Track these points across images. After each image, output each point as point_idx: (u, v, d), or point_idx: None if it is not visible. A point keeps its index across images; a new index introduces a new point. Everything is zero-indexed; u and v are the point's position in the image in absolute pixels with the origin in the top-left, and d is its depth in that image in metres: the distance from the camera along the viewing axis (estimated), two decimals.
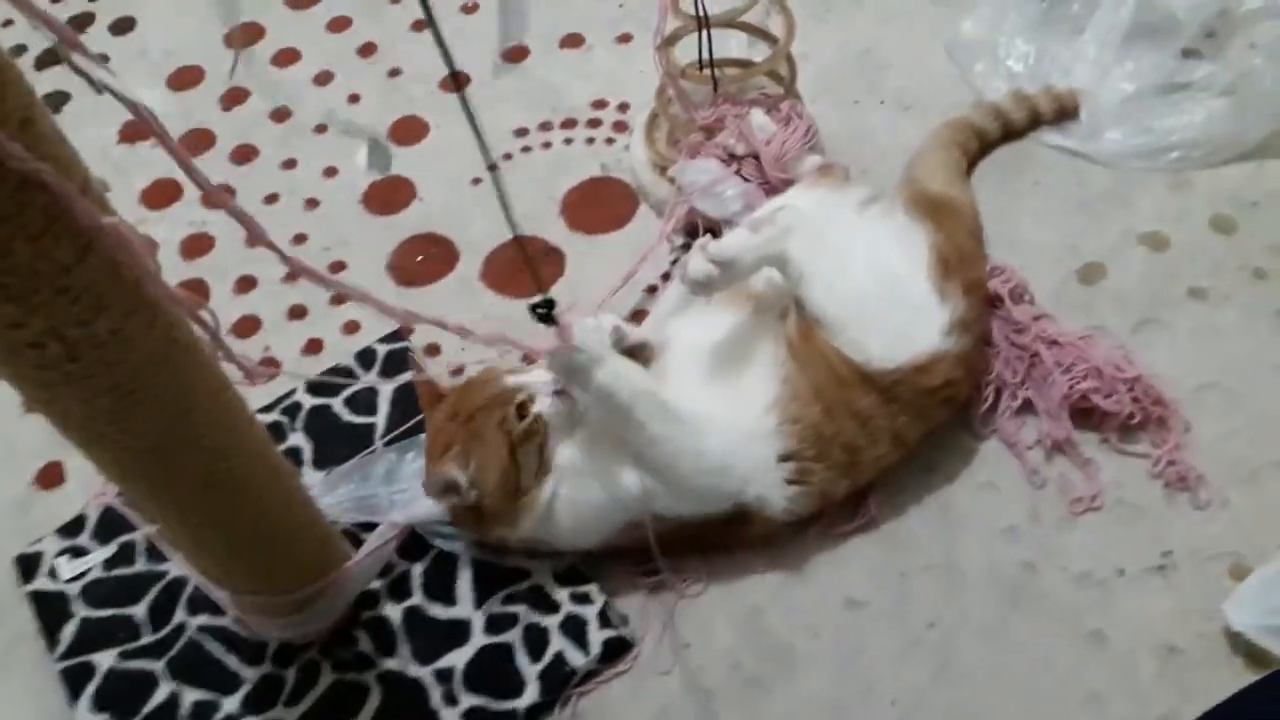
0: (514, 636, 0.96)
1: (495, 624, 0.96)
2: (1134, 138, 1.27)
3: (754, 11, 1.20)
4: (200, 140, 1.48)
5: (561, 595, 0.98)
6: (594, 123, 1.43)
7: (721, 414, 0.96)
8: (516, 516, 0.94)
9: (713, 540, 0.99)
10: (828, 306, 0.98)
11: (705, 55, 1.19)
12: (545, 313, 0.85)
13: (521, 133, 1.43)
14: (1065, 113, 1.30)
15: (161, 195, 1.40)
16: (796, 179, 1.18)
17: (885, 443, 0.98)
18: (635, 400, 0.91)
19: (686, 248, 1.23)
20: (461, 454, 0.93)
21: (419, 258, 1.31)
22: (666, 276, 1.23)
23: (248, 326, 1.26)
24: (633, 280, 1.19)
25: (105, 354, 0.63)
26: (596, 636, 0.95)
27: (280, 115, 1.51)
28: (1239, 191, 1.21)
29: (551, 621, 0.96)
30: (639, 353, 1.00)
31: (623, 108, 1.44)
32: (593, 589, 0.98)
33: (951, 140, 1.25)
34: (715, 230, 1.22)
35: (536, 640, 0.95)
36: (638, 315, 1.19)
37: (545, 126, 1.43)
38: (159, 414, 0.70)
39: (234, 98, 1.55)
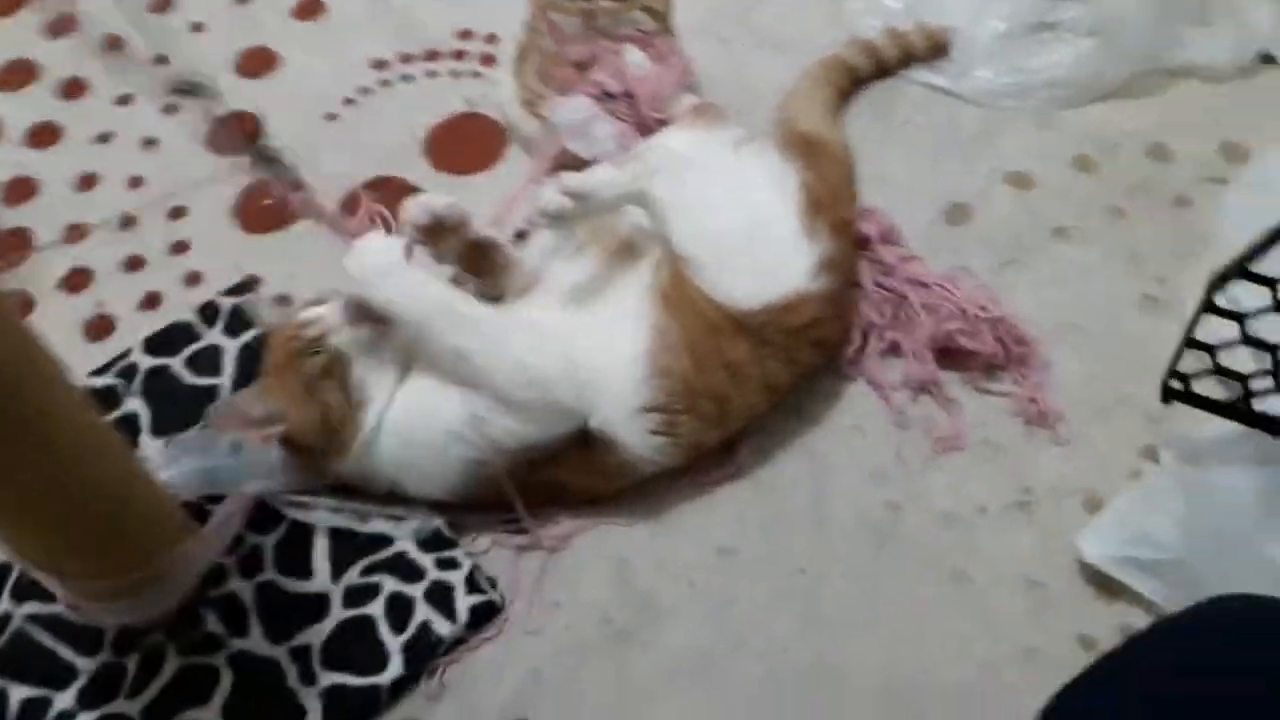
0: (376, 608, 0.92)
1: (355, 596, 0.92)
2: (1004, 76, 1.27)
3: None
4: (22, 73, 1.35)
5: (426, 561, 0.94)
6: (459, 54, 1.35)
7: (584, 345, 0.94)
8: (342, 450, 0.92)
9: (573, 482, 0.96)
10: (692, 246, 0.96)
11: None
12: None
13: (380, 65, 1.34)
14: (938, 50, 1.29)
15: None
16: (671, 119, 1.14)
17: (756, 391, 0.97)
18: (428, 315, 0.90)
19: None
20: (266, 389, 0.92)
21: (267, 200, 1.22)
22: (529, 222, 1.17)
23: (79, 280, 1.16)
24: (501, 225, 1.14)
25: None
26: (464, 603, 0.92)
27: (113, 44, 1.38)
28: (1102, 132, 1.23)
29: (416, 590, 0.93)
30: (492, 259, 1.01)
31: (490, 39, 1.36)
32: (459, 553, 0.95)
33: (824, 78, 1.22)
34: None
35: (400, 611, 0.92)
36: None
37: (406, 58, 1.35)
38: None
39: (62, 25, 1.41)
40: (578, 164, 1.17)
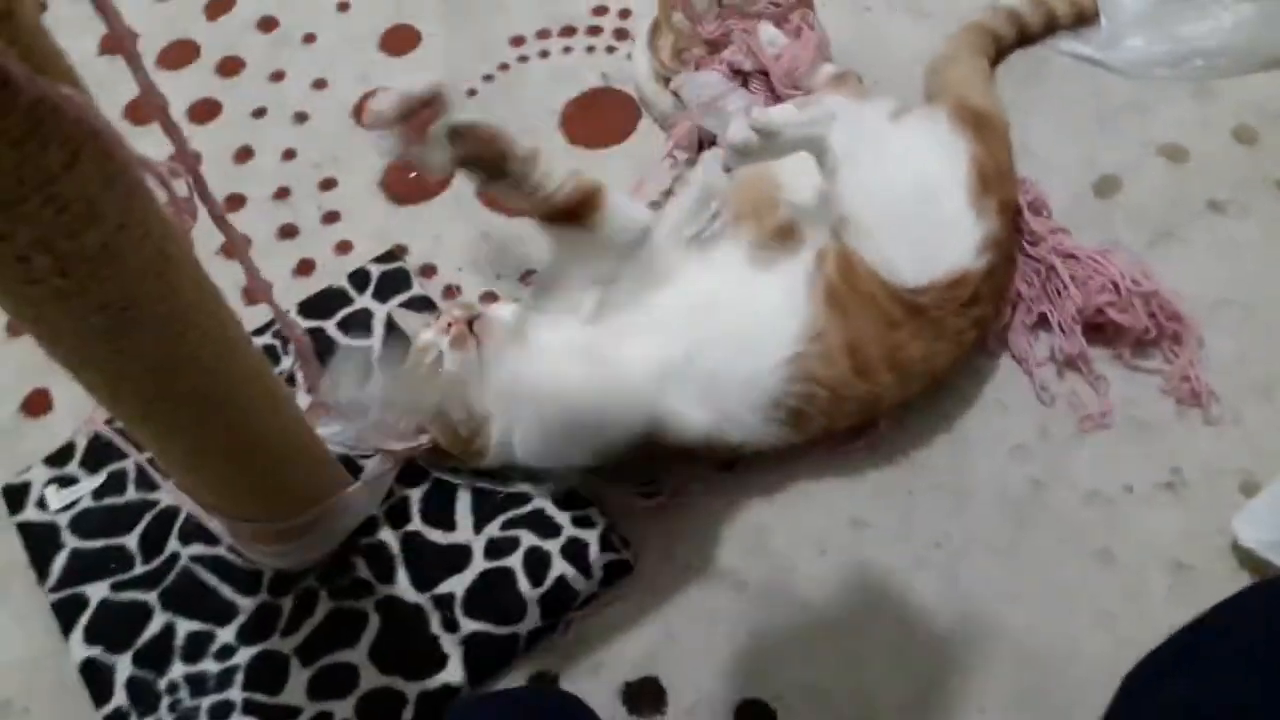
0: (515, 561, 0.94)
1: (495, 549, 0.95)
2: (1156, 45, 1.22)
3: None
4: (184, 53, 1.43)
5: (563, 519, 0.96)
6: (594, 30, 1.37)
7: (713, 338, 0.91)
8: (479, 457, 0.95)
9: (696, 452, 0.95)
10: (862, 209, 0.93)
11: None
12: None
13: (518, 41, 1.37)
14: (1083, 18, 1.25)
15: (143, 112, 1.35)
16: (809, 91, 1.13)
17: (919, 384, 0.95)
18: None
19: (690, 164, 1.19)
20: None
21: (413, 174, 1.27)
22: (669, 193, 1.18)
23: (234, 248, 1.22)
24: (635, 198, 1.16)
25: (96, 268, 0.60)
26: (598, 560, 0.94)
27: (267, 25, 1.45)
28: (1264, 102, 1.17)
29: (553, 545, 0.95)
30: (496, 149, 0.88)
31: (624, 14, 1.38)
32: (593, 512, 0.97)
33: (979, 48, 1.19)
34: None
35: (537, 564, 0.94)
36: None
37: (543, 34, 1.38)
38: (153, 332, 0.67)
39: (219, 7, 1.49)
40: (711, 140, 1.18)
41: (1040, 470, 0.97)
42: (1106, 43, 1.23)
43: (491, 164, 0.88)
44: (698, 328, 0.92)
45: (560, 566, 0.94)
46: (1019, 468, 0.98)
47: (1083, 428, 0.99)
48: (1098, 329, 1.03)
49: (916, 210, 0.94)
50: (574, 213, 0.91)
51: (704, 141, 1.19)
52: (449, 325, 0.94)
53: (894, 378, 0.93)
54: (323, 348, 1.09)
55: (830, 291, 0.92)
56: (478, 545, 0.95)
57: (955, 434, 1.00)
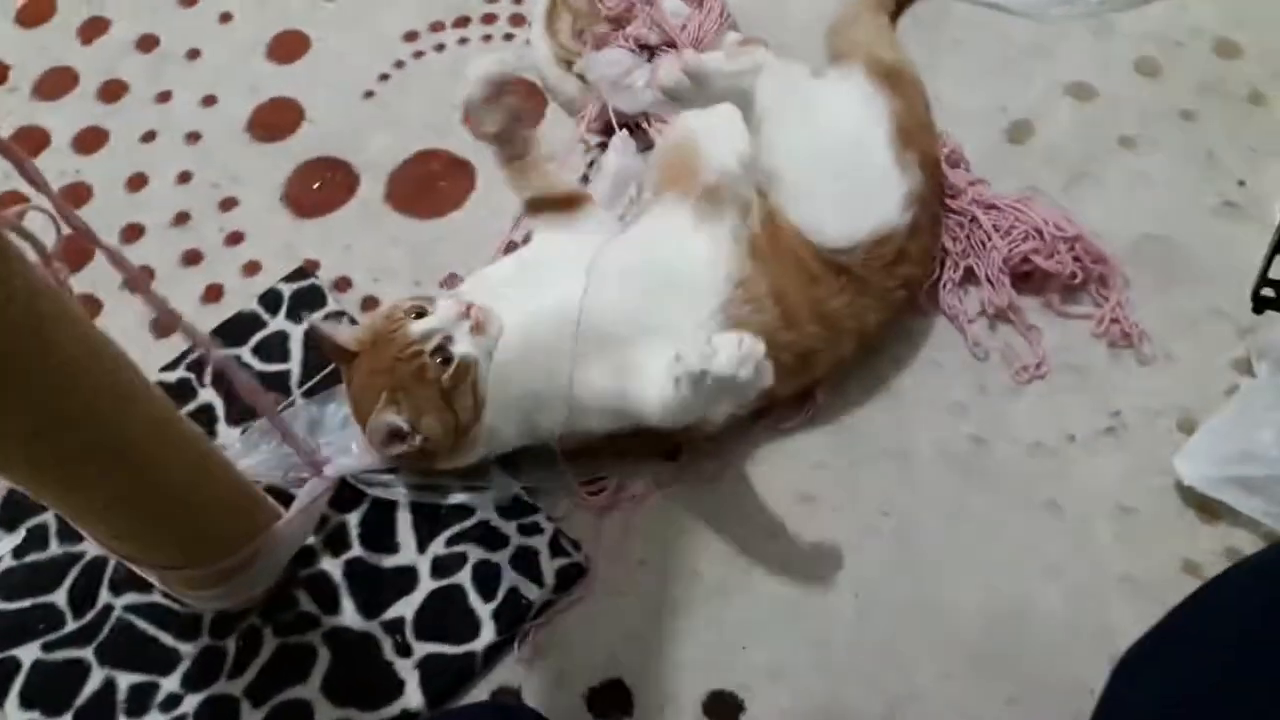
0: (463, 577, 0.92)
1: (442, 567, 0.92)
2: None
3: None
4: (61, 80, 1.36)
5: (509, 528, 0.94)
6: (489, 18, 1.34)
7: (650, 320, 0.90)
8: (466, 451, 0.91)
9: (650, 440, 0.93)
10: (786, 167, 0.93)
11: None
12: None
13: (411, 36, 1.33)
14: None
15: (28, 141, 1.29)
16: None
17: (850, 340, 0.94)
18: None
19: (603, 148, 1.16)
20: (396, 401, 0.87)
21: (315, 184, 1.22)
22: (585, 179, 1.16)
23: (142, 278, 1.16)
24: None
25: None
26: (549, 566, 0.92)
27: (146, 44, 1.38)
28: (1163, 31, 1.18)
29: (501, 557, 0.92)
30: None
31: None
32: (540, 518, 0.94)
33: (878, 4, 1.17)
34: (631, 126, 1.15)
35: (487, 578, 0.92)
36: None
37: (437, 27, 1.33)
38: (38, 390, 0.63)
39: (94, 29, 1.41)
40: (621, 119, 1.15)
41: (980, 427, 0.97)
42: None
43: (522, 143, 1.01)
44: (630, 282, 0.92)
45: (511, 578, 0.91)
46: (959, 426, 0.97)
47: (1018, 379, 0.99)
48: (1025, 278, 1.03)
49: (841, 168, 0.93)
50: (565, 201, 1.01)
51: (614, 123, 1.16)
52: (467, 310, 0.89)
53: (821, 330, 0.92)
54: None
55: (754, 244, 0.92)
56: (423, 565, 0.93)
57: (893, 398, 0.99)
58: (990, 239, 1.02)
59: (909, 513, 0.94)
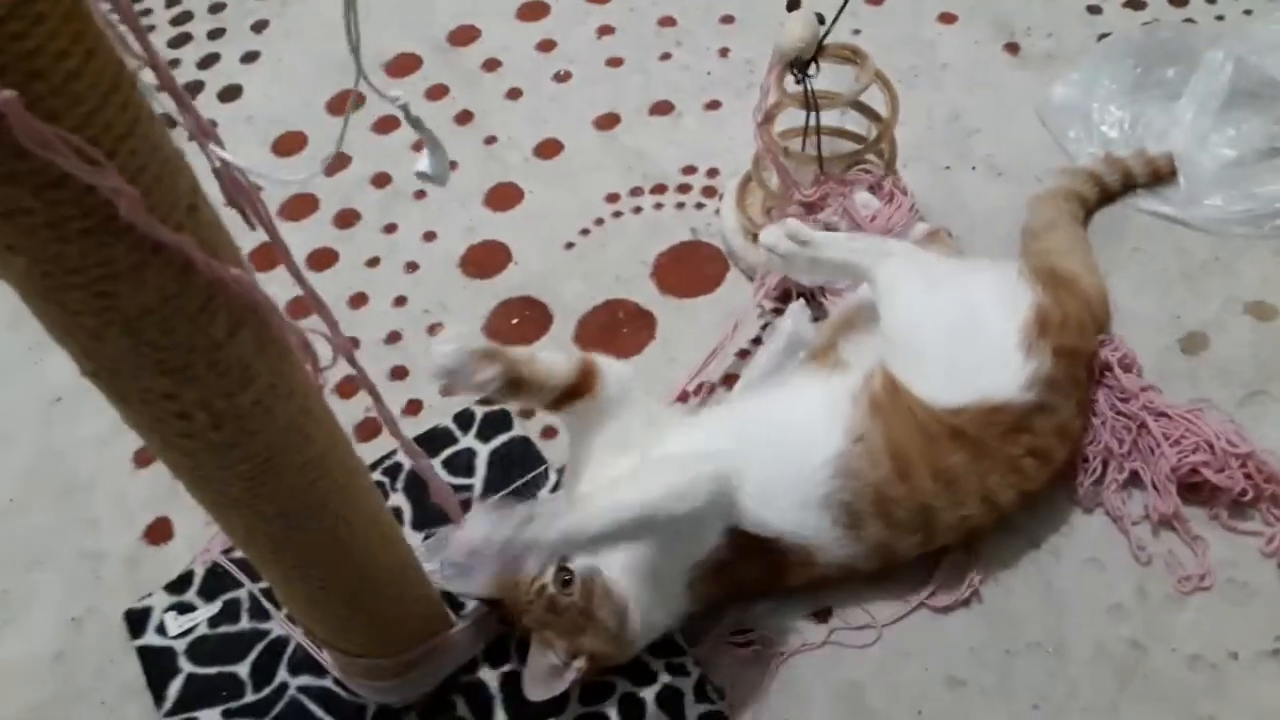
0: (610, 708, 0.95)
1: (591, 693, 0.96)
2: (1236, 204, 1.26)
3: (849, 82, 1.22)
4: (304, 205, 1.54)
5: (657, 665, 0.97)
6: (684, 188, 1.46)
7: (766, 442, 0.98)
8: (630, 647, 0.94)
9: (754, 576, 0.99)
10: (900, 333, 1.01)
11: (812, 138, 1.20)
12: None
13: (613, 198, 1.46)
14: (1160, 177, 1.30)
15: (263, 259, 1.46)
16: None
17: (974, 503, 0.97)
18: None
19: (778, 313, 1.24)
20: (546, 641, 0.91)
21: (514, 320, 1.34)
22: (758, 341, 1.23)
23: (349, 388, 1.29)
24: (725, 347, 1.21)
25: (246, 424, 0.66)
26: (693, 711, 0.95)
27: (380, 180, 1.56)
28: None
29: (648, 693, 0.96)
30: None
31: (712, 173, 1.46)
32: (688, 660, 0.98)
33: (1072, 213, 1.24)
34: (808, 296, 1.23)
35: (632, 711, 0.95)
36: (729, 379, 1.20)
37: (636, 192, 1.46)
38: (290, 480, 0.72)
39: (337, 163, 1.60)
40: (799, 289, 1.23)
41: (1139, 632, 0.97)
42: (1186, 201, 1.27)
43: (511, 385, 0.95)
44: (750, 434, 1.00)
45: (655, 715, 0.94)
46: (1117, 628, 0.97)
47: (1181, 589, 0.98)
48: (1193, 489, 1.03)
49: (952, 336, 1.01)
50: (578, 388, 0.99)
51: (793, 293, 1.24)
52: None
53: (938, 487, 0.96)
54: (427, 486, 1.13)
55: (873, 402, 0.98)
56: (574, 689, 0.97)
57: (1052, 592, 1.00)
58: (1159, 446, 1.04)
59: (1061, 709, 0.93)
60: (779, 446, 0.98)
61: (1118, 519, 1.03)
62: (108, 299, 0.55)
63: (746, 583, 0.99)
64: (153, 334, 0.57)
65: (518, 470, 1.14)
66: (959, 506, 0.97)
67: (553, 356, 0.99)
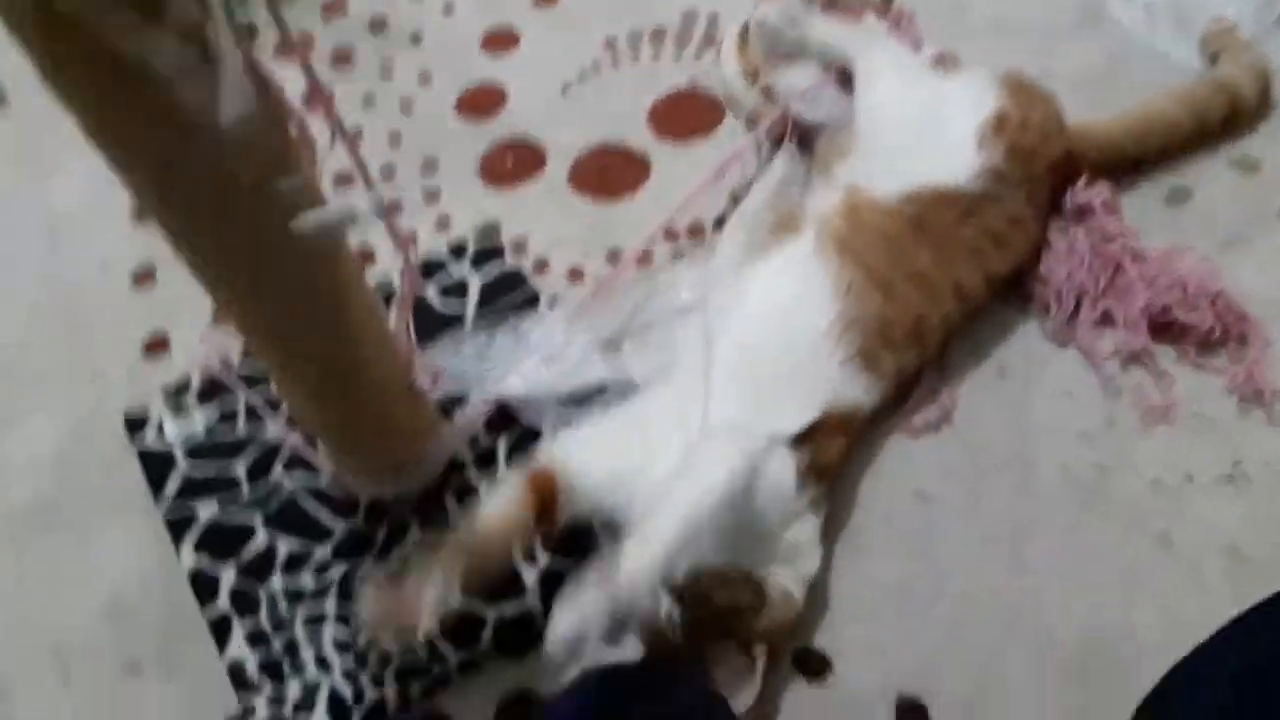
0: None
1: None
2: None
3: None
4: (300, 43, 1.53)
5: None
6: (683, 35, 1.45)
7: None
8: (786, 605, 0.90)
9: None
10: (870, 118, 1.08)
11: None
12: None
13: (610, 44, 1.45)
14: None
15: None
16: None
17: (948, 298, 1.01)
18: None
19: (774, 155, 1.24)
20: (716, 656, 0.87)
21: (508, 162, 1.35)
22: (751, 182, 1.24)
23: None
24: (718, 182, 1.22)
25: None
26: None
27: (377, 24, 1.55)
28: None
29: None
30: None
31: (712, 19, 1.45)
32: None
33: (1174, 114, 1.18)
34: (806, 137, 1.23)
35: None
36: (721, 222, 1.22)
37: (635, 38, 1.45)
38: (293, 265, 0.75)
39: (333, 8, 1.59)
40: (798, 129, 1.24)
41: (1105, 456, 1.01)
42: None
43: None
44: (756, 359, 0.98)
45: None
46: (1085, 453, 1.01)
47: (1147, 420, 1.02)
48: (1164, 327, 1.06)
49: (918, 128, 1.06)
50: (544, 512, 0.90)
51: (791, 133, 1.24)
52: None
53: (917, 291, 1.00)
54: (421, 311, 1.16)
55: (838, 241, 1.00)
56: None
57: (1024, 419, 1.04)
58: (1134, 286, 1.06)
59: (1025, 524, 0.98)
60: (787, 350, 0.98)
61: (1089, 354, 1.06)
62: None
63: (835, 465, 0.97)
64: None
65: (509, 300, 1.16)
66: (939, 305, 1.01)
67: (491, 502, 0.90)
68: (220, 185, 0.67)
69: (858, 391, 0.98)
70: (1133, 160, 1.16)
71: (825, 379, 0.97)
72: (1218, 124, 1.17)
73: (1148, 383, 1.04)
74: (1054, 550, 0.96)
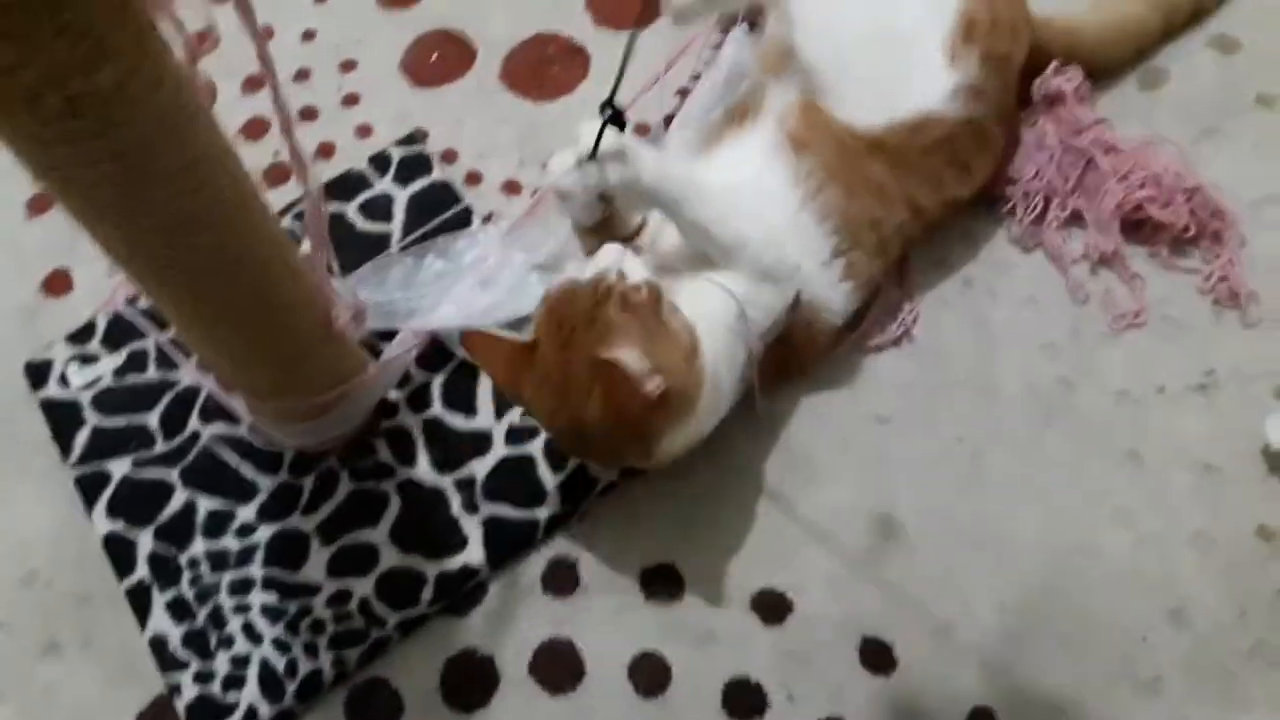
0: (535, 448, 0.94)
1: (516, 435, 0.95)
2: None
3: None
4: None
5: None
6: None
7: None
8: (698, 382, 0.81)
9: (794, 357, 0.94)
10: (817, 55, 0.93)
11: None
12: (615, 113, 0.80)
13: None
14: None
15: None
16: None
17: (902, 209, 0.94)
18: (686, 188, 0.84)
19: (718, 46, 1.15)
20: (614, 343, 0.78)
21: (433, 56, 1.23)
22: (697, 76, 1.15)
23: (256, 128, 1.20)
24: (663, 80, 1.12)
25: (109, 112, 0.59)
26: None
27: None
28: None
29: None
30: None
31: None
32: None
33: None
34: (754, 22, 1.14)
35: (558, 451, 0.94)
36: (669, 120, 1.13)
37: None
38: (166, 185, 0.66)
39: None
40: (743, 17, 1.14)
41: (1069, 369, 0.96)
42: None
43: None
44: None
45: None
46: (1048, 366, 0.96)
47: (1115, 327, 0.97)
48: (1135, 226, 1.00)
49: (874, 53, 0.93)
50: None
51: (735, 18, 1.15)
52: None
53: (876, 201, 0.92)
54: (341, 232, 1.08)
55: (795, 139, 0.92)
56: (499, 431, 0.95)
57: (986, 331, 0.98)
58: (1105, 182, 0.99)
59: (985, 444, 0.93)
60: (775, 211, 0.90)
61: (1056, 258, 1.00)
62: None
63: (783, 363, 0.92)
64: None
65: (437, 213, 1.08)
66: (894, 213, 0.93)
67: None
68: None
69: (837, 297, 0.92)
70: (1101, 68, 1.07)
71: (815, 273, 0.90)
72: (1185, 19, 1.09)
73: (1117, 287, 0.99)
74: (1011, 466, 0.92)
